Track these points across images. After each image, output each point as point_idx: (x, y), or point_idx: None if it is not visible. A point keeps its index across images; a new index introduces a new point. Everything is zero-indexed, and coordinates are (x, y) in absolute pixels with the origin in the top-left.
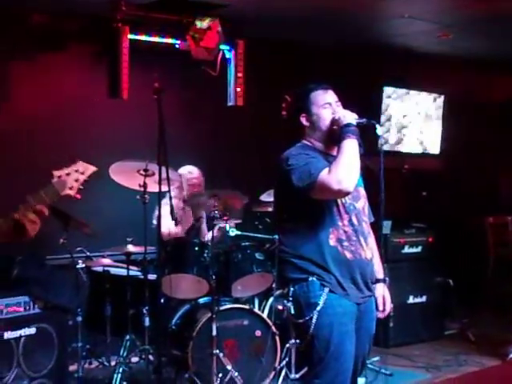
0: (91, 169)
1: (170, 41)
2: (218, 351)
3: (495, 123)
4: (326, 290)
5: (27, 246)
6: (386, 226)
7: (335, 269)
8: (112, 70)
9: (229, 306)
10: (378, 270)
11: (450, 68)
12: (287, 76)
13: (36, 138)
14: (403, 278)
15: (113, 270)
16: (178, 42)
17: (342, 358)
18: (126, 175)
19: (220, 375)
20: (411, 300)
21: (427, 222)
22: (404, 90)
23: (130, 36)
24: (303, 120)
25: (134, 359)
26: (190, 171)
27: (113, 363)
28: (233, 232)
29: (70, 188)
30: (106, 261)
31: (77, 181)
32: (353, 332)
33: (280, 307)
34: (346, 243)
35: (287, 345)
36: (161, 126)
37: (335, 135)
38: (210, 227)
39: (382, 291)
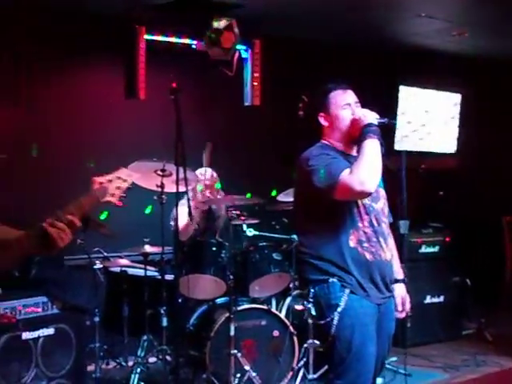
0: (134, 176)
1: (186, 41)
2: (236, 351)
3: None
4: (347, 291)
5: None
6: (404, 225)
7: (355, 270)
8: (129, 71)
9: (246, 306)
10: (398, 271)
11: (466, 67)
12: (303, 75)
13: (53, 138)
14: (420, 277)
15: (130, 271)
16: (195, 42)
17: (363, 359)
18: (143, 175)
19: (238, 375)
20: (428, 300)
21: (444, 222)
22: (420, 89)
23: (147, 36)
24: (322, 120)
25: (152, 359)
26: (202, 173)
27: (130, 363)
28: (250, 232)
29: (112, 195)
30: (124, 261)
31: (119, 188)
32: (374, 333)
33: (298, 307)
34: (366, 244)
35: (305, 345)
36: (178, 126)
37: (356, 135)
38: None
39: (401, 291)
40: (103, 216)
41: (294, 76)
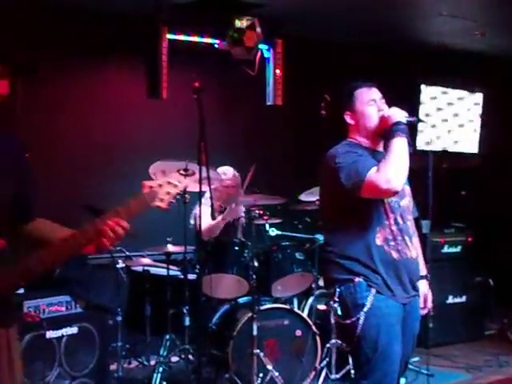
0: (185, 182)
1: (208, 40)
2: (258, 351)
3: None
4: (373, 290)
5: None
6: (425, 225)
7: (382, 269)
8: (151, 71)
9: (269, 305)
10: (421, 267)
11: (488, 66)
12: (325, 75)
13: (75, 138)
14: (443, 277)
15: (152, 270)
16: (217, 41)
17: (389, 359)
18: (165, 175)
19: (260, 375)
20: (451, 300)
21: (466, 222)
22: (442, 89)
23: (169, 36)
24: (348, 118)
25: (174, 359)
26: (224, 172)
27: (152, 363)
28: (273, 232)
29: (161, 200)
30: (146, 260)
31: (168, 193)
32: (399, 332)
33: (321, 307)
34: (392, 243)
35: (328, 345)
36: (201, 126)
37: (384, 133)
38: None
39: (423, 288)
40: None
41: (316, 76)
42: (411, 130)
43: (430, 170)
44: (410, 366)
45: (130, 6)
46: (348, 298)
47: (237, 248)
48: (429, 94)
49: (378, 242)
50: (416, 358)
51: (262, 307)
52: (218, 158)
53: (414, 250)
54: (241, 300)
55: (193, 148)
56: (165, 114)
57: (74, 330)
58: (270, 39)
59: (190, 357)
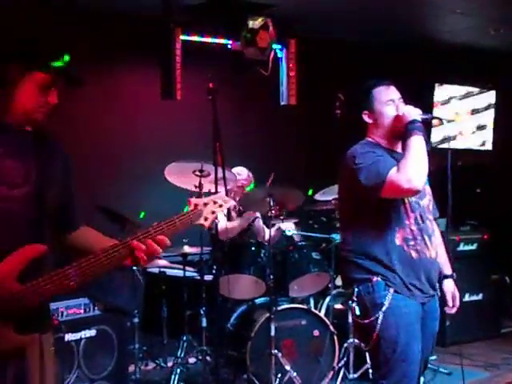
0: (230, 202)
1: (221, 41)
2: (276, 351)
3: None
4: (391, 290)
5: None
6: (442, 223)
7: (401, 268)
8: (165, 72)
9: (286, 305)
10: (446, 267)
11: (501, 63)
12: (338, 74)
13: (89, 139)
14: (459, 275)
15: (169, 271)
16: (230, 42)
17: (409, 359)
18: (181, 176)
19: (278, 376)
20: (467, 298)
21: (482, 219)
22: (455, 86)
23: (182, 37)
24: (365, 117)
25: (191, 360)
26: (238, 172)
27: (169, 364)
28: (289, 232)
29: (205, 219)
30: (162, 262)
31: (213, 213)
32: (419, 332)
33: (338, 307)
34: (411, 242)
35: (345, 344)
36: (216, 127)
37: (400, 132)
38: (268, 226)
39: (450, 287)
40: (141, 216)
41: (330, 75)
42: (426, 128)
43: (449, 168)
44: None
45: (143, 7)
46: (366, 297)
47: (253, 248)
48: (442, 92)
49: (398, 241)
50: (433, 357)
51: (280, 307)
52: (231, 158)
53: (434, 249)
54: (258, 300)
55: (207, 149)
56: (179, 115)
57: (92, 332)
58: (283, 39)
59: (208, 358)
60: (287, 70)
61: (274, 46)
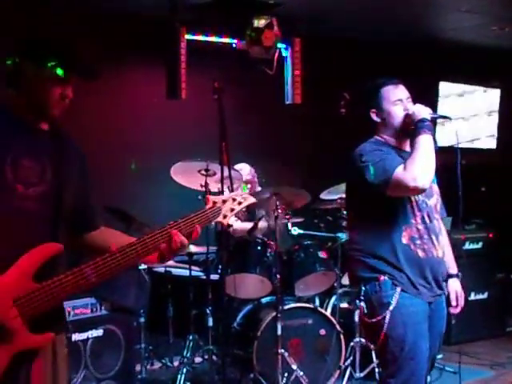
0: (249, 200)
1: (226, 40)
2: (283, 351)
3: None
4: (398, 289)
5: None
6: (447, 222)
7: (407, 267)
8: (170, 71)
9: (293, 305)
10: (451, 266)
11: (506, 61)
12: (343, 73)
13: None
14: (464, 274)
15: (174, 271)
16: (235, 41)
17: (417, 358)
18: (187, 176)
19: (285, 375)
20: (472, 297)
21: (487, 218)
22: (459, 85)
23: (187, 36)
24: (373, 116)
25: (198, 360)
26: (240, 168)
27: (176, 364)
28: (295, 231)
29: (224, 217)
30: (168, 261)
31: (232, 210)
32: (426, 331)
33: (344, 305)
34: (418, 241)
35: (351, 343)
36: (222, 126)
37: (409, 130)
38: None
39: (455, 286)
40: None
41: (334, 74)
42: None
43: (458, 166)
44: None
45: (148, 7)
46: (373, 296)
47: (259, 248)
48: (447, 90)
49: (404, 240)
50: (439, 356)
51: (286, 307)
52: (236, 157)
53: (441, 249)
54: (263, 300)
55: (213, 148)
56: (184, 114)
57: (99, 332)
58: (287, 38)
59: (214, 357)
60: (292, 68)
61: (279, 45)
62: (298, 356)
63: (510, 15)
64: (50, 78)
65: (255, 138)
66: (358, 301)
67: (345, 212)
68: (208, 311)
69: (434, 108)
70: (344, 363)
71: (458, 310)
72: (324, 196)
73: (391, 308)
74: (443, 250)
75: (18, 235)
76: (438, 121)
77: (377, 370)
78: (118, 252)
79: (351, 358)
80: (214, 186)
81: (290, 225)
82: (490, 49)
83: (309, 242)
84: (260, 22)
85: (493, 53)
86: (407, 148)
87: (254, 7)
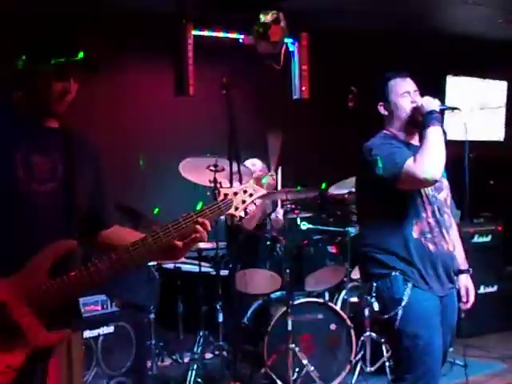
0: (261, 191)
1: (233, 36)
2: (293, 346)
3: None
4: (410, 285)
5: None
6: (456, 215)
7: (419, 262)
8: (178, 68)
9: (303, 300)
10: (462, 261)
11: None
12: (350, 67)
13: (102, 137)
14: (474, 267)
15: (184, 267)
16: (242, 36)
17: (431, 353)
18: (196, 172)
19: (296, 370)
20: (482, 290)
21: (495, 211)
22: (467, 78)
23: (195, 32)
24: (381, 109)
25: (208, 356)
26: (253, 163)
27: (186, 360)
28: (304, 226)
29: (236, 209)
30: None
31: (244, 202)
32: (439, 325)
33: (354, 300)
34: (429, 235)
35: (362, 338)
36: (231, 122)
37: (417, 123)
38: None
39: (465, 282)
40: (155, 211)
41: (342, 68)
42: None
43: (466, 159)
44: None
45: (155, 3)
46: (385, 292)
47: (269, 243)
48: (454, 83)
49: (415, 234)
50: (450, 349)
51: (296, 302)
52: (244, 152)
53: (451, 242)
54: (273, 295)
55: (222, 143)
56: (192, 110)
57: (110, 329)
58: (294, 33)
59: (225, 353)
60: (299, 63)
61: (286, 40)
62: (309, 351)
63: None
64: (50, 74)
65: (263, 133)
66: (369, 297)
67: (354, 206)
68: (218, 307)
69: (442, 101)
70: (355, 357)
71: (468, 306)
72: (333, 190)
73: (403, 304)
74: (453, 243)
75: (31, 232)
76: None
77: (387, 364)
78: (131, 247)
79: (362, 352)
80: (223, 182)
81: (298, 220)
82: (498, 41)
83: (318, 237)
84: (267, 17)
85: (500, 45)
86: (416, 142)
87: (261, 2)
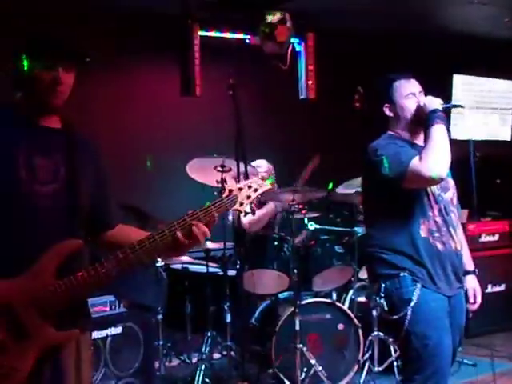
0: (265, 187)
1: (240, 36)
2: (301, 346)
3: None
4: (419, 285)
5: None
6: (462, 215)
7: (427, 261)
8: (184, 68)
9: (310, 300)
10: (468, 262)
11: None
12: (356, 67)
13: (108, 138)
14: (481, 267)
15: (192, 268)
16: (249, 37)
17: (441, 353)
18: (203, 172)
19: (304, 370)
20: (490, 289)
21: (503, 210)
22: (473, 77)
23: (201, 33)
24: (387, 110)
25: (216, 356)
26: (258, 165)
27: (194, 360)
28: (311, 226)
29: (241, 204)
30: (185, 258)
31: (248, 197)
32: (448, 325)
33: (361, 300)
34: (436, 234)
35: (370, 337)
36: (238, 122)
37: (421, 122)
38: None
39: (472, 283)
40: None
41: (348, 68)
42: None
43: (471, 159)
44: None
45: (161, 4)
46: (394, 293)
47: (276, 243)
48: (460, 82)
49: (423, 233)
50: (459, 349)
51: (304, 302)
52: (251, 152)
53: (458, 241)
54: (281, 295)
55: (228, 144)
56: (199, 110)
57: (118, 329)
58: (301, 33)
59: (232, 353)
60: (306, 63)
61: (292, 40)
62: (317, 351)
63: None
64: (36, 65)
65: (270, 133)
66: (378, 298)
67: (361, 206)
68: (226, 307)
69: (447, 100)
70: (362, 357)
71: (475, 307)
72: (340, 190)
73: (412, 304)
74: (461, 242)
75: (32, 234)
76: (453, 114)
77: (395, 363)
78: (137, 245)
79: (369, 352)
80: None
81: (306, 220)
82: (503, 40)
83: (325, 237)
84: (273, 18)
85: (506, 44)
86: (420, 142)
87: (267, 3)
